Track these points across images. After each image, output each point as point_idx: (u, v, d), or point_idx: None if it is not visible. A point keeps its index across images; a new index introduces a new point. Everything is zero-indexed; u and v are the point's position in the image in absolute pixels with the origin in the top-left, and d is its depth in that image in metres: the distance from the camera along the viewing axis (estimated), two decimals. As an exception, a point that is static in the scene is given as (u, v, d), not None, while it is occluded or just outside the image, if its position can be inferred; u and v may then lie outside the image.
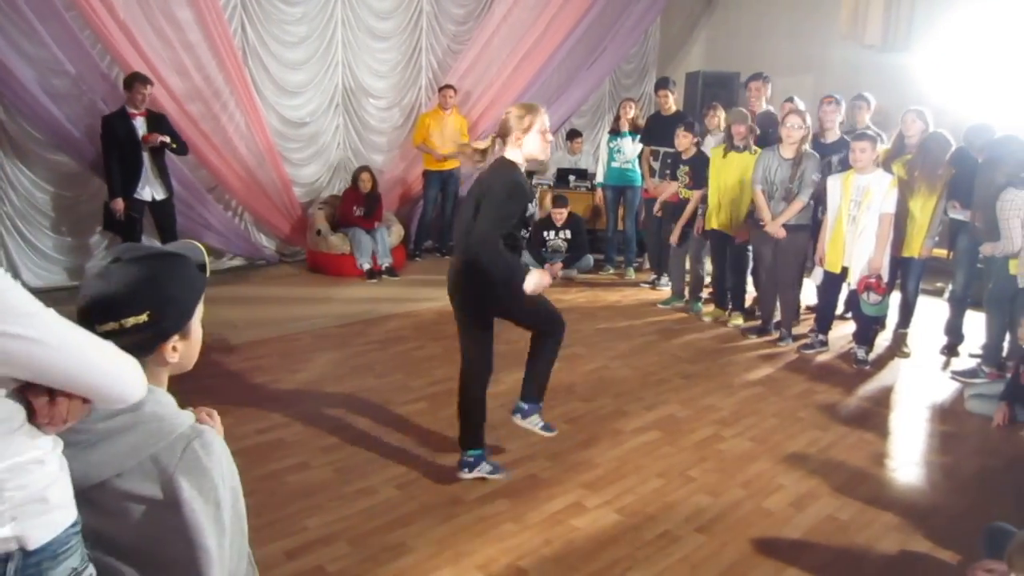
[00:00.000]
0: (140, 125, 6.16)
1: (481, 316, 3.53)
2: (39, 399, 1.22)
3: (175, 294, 1.44)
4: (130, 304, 1.37)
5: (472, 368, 3.61)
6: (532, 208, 3.42)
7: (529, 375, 3.75)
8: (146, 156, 6.21)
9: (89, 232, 6.83)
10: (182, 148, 6.44)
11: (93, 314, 1.36)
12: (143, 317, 1.37)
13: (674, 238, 6.63)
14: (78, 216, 6.75)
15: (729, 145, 6.17)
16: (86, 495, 1.35)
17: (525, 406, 3.78)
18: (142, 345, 1.40)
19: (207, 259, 1.57)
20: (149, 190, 6.30)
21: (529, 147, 3.38)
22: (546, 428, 3.82)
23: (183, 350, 1.49)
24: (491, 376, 3.67)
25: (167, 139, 6.20)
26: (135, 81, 6.10)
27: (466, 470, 3.64)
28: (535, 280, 3.31)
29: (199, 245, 1.58)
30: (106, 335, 1.32)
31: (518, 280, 3.29)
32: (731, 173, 6.14)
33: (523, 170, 3.40)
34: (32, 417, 1.23)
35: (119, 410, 1.36)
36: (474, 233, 3.22)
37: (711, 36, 10.68)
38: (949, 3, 7.85)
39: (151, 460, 1.37)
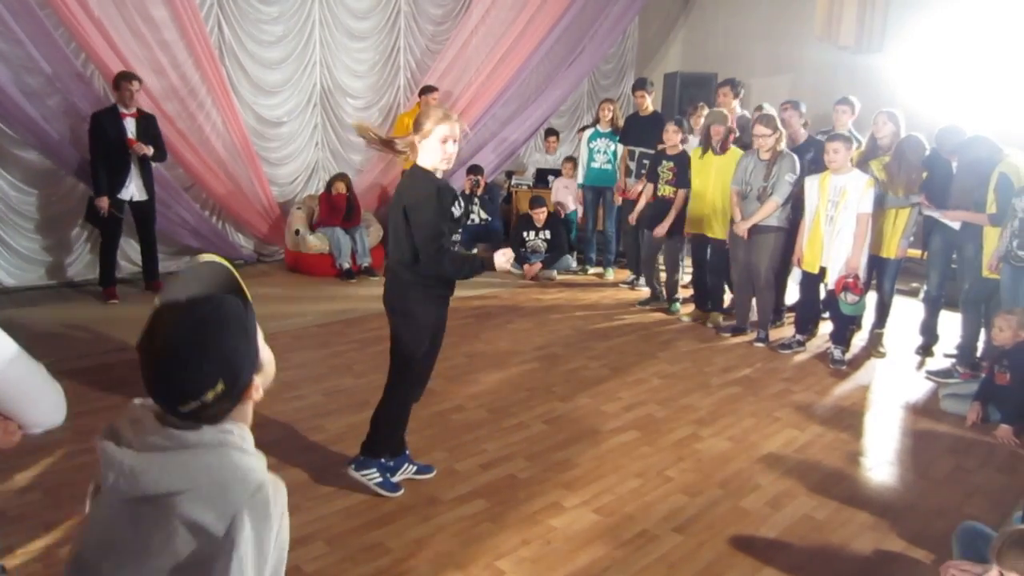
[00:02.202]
0: (130, 125, 6.15)
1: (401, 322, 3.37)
2: None
3: (239, 350, 1.34)
4: (202, 382, 1.27)
5: (399, 375, 3.42)
6: (458, 211, 3.30)
7: (371, 427, 3.49)
8: (132, 157, 6.20)
9: (64, 231, 6.76)
10: (162, 155, 6.43)
11: (170, 400, 1.29)
12: (220, 387, 1.29)
13: (661, 231, 6.57)
14: (52, 215, 6.68)
15: (706, 146, 6.20)
16: (139, 504, 1.28)
17: (361, 457, 3.49)
18: (229, 407, 1.35)
19: (239, 276, 1.41)
20: (132, 190, 6.27)
21: (425, 154, 3.22)
22: (384, 486, 3.46)
23: (263, 380, 1.44)
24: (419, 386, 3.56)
25: (150, 151, 6.19)
26: (122, 79, 6.10)
27: (354, 467, 3.49)
28: (503, 258, 3.20)
29: (223, 263, 1.43)
30: (192, 412, 1.28)
31: (477, 269, 3.20)
32: (708, 174, 6.17)
33: (439, 174, 3.25)
34: None
35: (207, 430, 1.32)
36: (422, 259, 3.15)
37: (688, 37, 10.75)
38: (922, 6, 7.94)
39: (220, 488, 1.30)
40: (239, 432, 1.38)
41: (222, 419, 1.36)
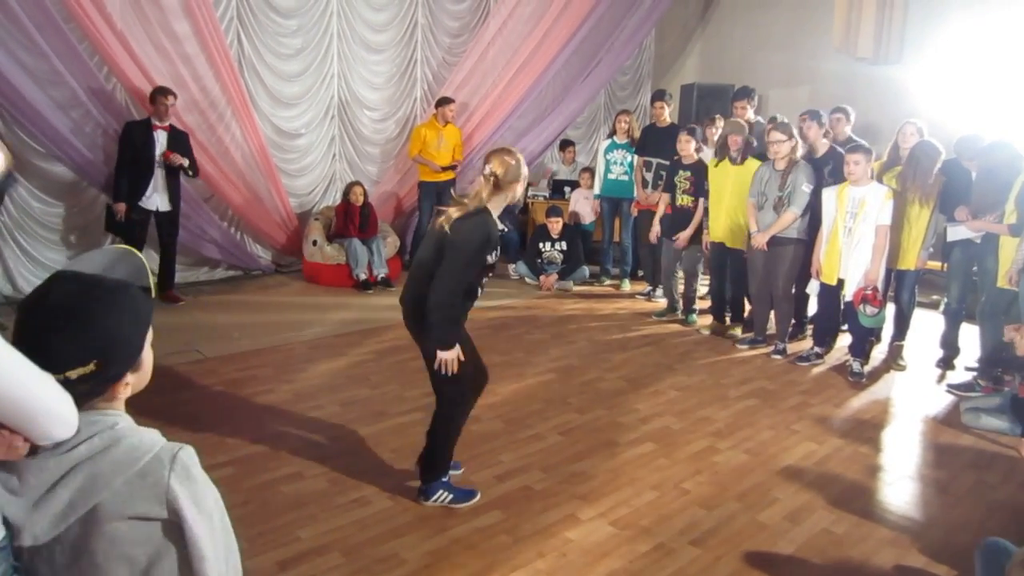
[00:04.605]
0: (161, 139, 6.31)
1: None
2: None
3: (121, 335, 1.29)
4: (73, 354, 1.24)
5: (451, 398, 3.46)
6: (492, 259, 3.33)
7: (426, 450, 3.54)
8: (158, 169, 6.33)
9: (86, 242, 6.82)
10: (195, 170, 6.59)
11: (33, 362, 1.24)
12: (90, 367, 1.25)
13: (682, 242, 6.58)
14: (74, 226, 6.75)
15: (723, 156, 6.18)
16: (68, 533, 1.27)
17: (423, 487, 3.52)
18: (91, 391, 1.30)
19: (150, 273, 1.42)
20: (156, 200, 6.41)
21: (517, 194, 3.38)
22: (457, 500, 3.50)
23: (135, 382, 1.39)
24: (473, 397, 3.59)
25: (185, 162, 6.36)
26: (158, 94, 6.29)
27: (423, 497, 3.51)
28: (451, 355, 3.21)
29: (138, 255, 1.45)
30: None
31: (443, 346, 3.20)
32: (725, 184, 6.16)
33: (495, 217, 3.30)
34: None
35: (94, 432, 1.29)
36: (437, 288, 3.14)
37: (706, 49, 10.74)
38: (940, 17, 7.91)
39: (138, 476, 1.28)
40: (120, 419, 1.33)
41: (80, 405, 1.29)
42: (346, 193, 7.82)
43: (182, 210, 6.82)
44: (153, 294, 1.39)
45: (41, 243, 6.61)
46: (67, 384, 1.24)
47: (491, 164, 3.24)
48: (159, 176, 6.36)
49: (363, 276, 7.52)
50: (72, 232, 6.75)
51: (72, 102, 6.40)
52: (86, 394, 1.29)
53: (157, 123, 6.31)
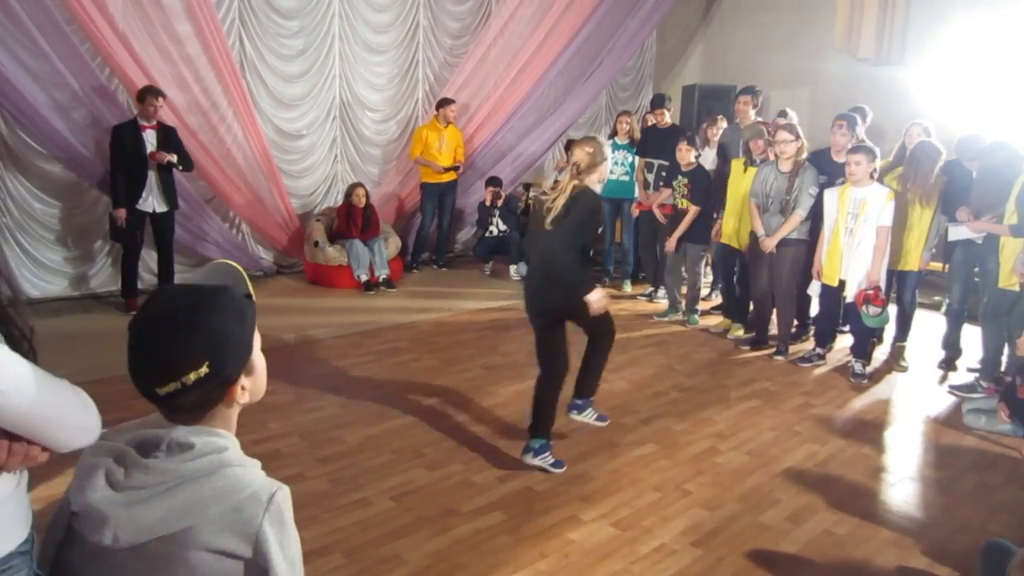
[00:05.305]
0: (150, 138, 6.22)
1: (560, 319, 3.95)
2: None
3: (229, 334, 1.29)
4: (186, 359, 1.24)
5: (555, 366, 3.94)
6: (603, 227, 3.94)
7: (583, 374, 4.21)
8: (152, 169, 6.26)
9: (87, 243, 6.83)
10: (187, 164, 6.50)
11: (149, 377, 1.25)
12: (203, 370, 1.24)
13: (670, 246, 6.61)
14: (76, 227, 6.76)
15: (748, 160, 6.18)
16: (148, 547, 1.24)
17: (579, 402, 4.26)
18: (210, 397, 1.30)
19: (247, 279, 1.42)
20: (152, 202, 6.34)
21: (604, 173, 4.01)
22: (600, 419, 4.34)
23: (251, 386, 1.38)
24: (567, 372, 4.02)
25: (174, 158, 6.27)
26: (147, 94, 6.18)
27: (531, 455, 3.90)
28: (597, 295, 3.80)
29: (235, 265, 1.45)
30: (170, 396, 1.24)
31: (584, 291, 3.77)
32: (744, 187, 6.16)
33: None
34: None
35: (201, 452, 1.28)
36: (563, 253, 3.74)
37: (707, 50, 10.73)
38: (942, 18, 7.90)
39: (233, 510, 1.26)
40: (231, 444, 1.34)
41: (200, 416, 1.31)
42: (348, 194, 7.82)
43: (184, 211, 6.82)
44: (253, 298, 1.39)
45: (43, 244, 6.61)
46: (185, 391, 1.24)
47: (573, 155, 3.91)
48: (153, 177, 6.27)
49: (364, 277, 7.52)
50: (73, 233, 6.76)
51: (74, 103, 6.40)
52: (206, 400, 1.30)
53: (145, 123, 6.19)
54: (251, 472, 1.33)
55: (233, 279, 1.40)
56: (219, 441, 1.32)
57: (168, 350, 1.24)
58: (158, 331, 1.26)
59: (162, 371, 1.24)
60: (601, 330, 4.13)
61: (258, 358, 1.39)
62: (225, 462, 1.29)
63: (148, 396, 1.26)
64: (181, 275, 6.94)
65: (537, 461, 3.89)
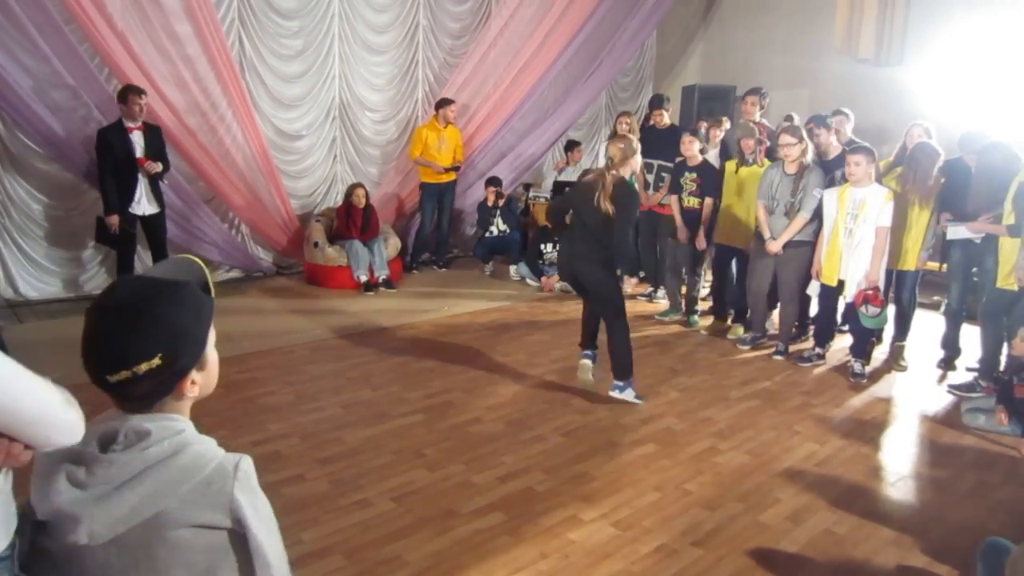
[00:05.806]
0: (137, 139, 6.11)
1: (611, 276, 4.76)
2: None
3: (185, 328, 1.33)
4: (140, 349, 1.26)
5: (618, 314, 4.75)
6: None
7: (611, 359, 4.83)
8: (141, 172, 6.17)
9: (85, 244, 6.82)
10: (166, 166, 6.36)
11: (101, 364, 1.28)
12: (156, 361, 1.27)
13: (701, 243, 6.56)
14: (74, 228, 6.74)
15: (740, 160, 6.19)
16: (126, 537, 1.27)
17: (620, 384, 4.85)
18: (160, 388, 1.33)
19: (209, 275, 1.47)
20: (143, 205, 6.26)
21: (635, 166, 4.75)
22: (637, 397, 4.87)
23: (202, 381, 1.41)
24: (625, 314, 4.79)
25: (159, 168, 6.17)
26: (129, 93, 6.05)
27: (617, 391, 4.82)
28: (634, 283, 4.40)
29: (197, 260, 1.49)
30: (119, 384, 1.27)
31: (628, 272, 4.24)
32: (741, 186, 6.17)
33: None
34: None
35: (160, 436, 1.31)
36: (619, 238, 4.52)
37: (707, 50, 10.74)
38: (942, 18, 7.91)
39: (203, 484, 1.30)
40: (187, 426, 1.37)
41: (149, 405, 1.34)
42: (348, 195, 7.82)
43: (181, 211, 6.82)
44: (213, 294, 1.43)
45: (42, 245, 6.61)
46: (135, 380, 1.27)
47: (608, 151, 4.74)
48: (143, 180, 6.17)
49: (364, 278, 7.52)
50: (73, 234, 6.75)
51: (73, 104, 6.40)
52: (155, 391, 1.33)
53: (130, 124, 6.07)
54: (211, 447, 1.37)
55: (194, 274, 1.44)
56: (175, 424, 1.35)
57: (123, 339, 1.27)
58: (116, 319, 1.28)
59: (115, 359, 1.27)
60: (607, 311, 4.80)
61: (211, 354, 1.43)
62: (184, 441, 1.33)
63: (98, 383, 1.29)
64: (148, 268, 6.92)
65: (624, 396, 4.79)
